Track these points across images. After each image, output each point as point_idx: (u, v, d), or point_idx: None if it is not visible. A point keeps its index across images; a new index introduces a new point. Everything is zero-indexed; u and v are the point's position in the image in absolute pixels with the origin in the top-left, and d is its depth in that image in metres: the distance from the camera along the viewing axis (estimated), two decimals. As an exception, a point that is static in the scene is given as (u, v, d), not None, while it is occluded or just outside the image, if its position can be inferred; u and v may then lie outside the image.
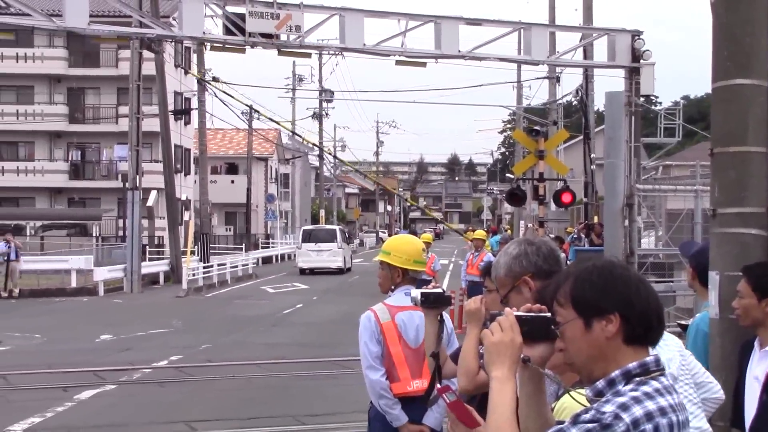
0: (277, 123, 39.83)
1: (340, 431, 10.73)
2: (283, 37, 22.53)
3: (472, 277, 18.43)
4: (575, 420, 2.38)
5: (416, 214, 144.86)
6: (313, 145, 52.87)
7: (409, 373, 5.55)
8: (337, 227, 53.09)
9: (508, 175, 75.17)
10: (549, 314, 2.62)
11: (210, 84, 39.95)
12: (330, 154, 64.48)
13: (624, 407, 2.36)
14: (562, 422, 2.43)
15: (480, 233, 19.89)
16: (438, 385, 4.63)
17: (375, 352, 5.58)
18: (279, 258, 60.16)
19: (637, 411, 2.36)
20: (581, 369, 2.57)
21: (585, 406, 2.47)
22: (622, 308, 2.49)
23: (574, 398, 2.62)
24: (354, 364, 14.53)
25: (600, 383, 2.49)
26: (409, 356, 5.55)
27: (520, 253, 3.70)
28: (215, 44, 24.26)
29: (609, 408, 2.37)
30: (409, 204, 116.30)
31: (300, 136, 43.43)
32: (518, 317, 2.61)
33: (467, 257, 19.24)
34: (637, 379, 2.46)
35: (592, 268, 2.58)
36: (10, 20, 23.01)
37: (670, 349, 3.93)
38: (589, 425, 2.35)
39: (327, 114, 79.36)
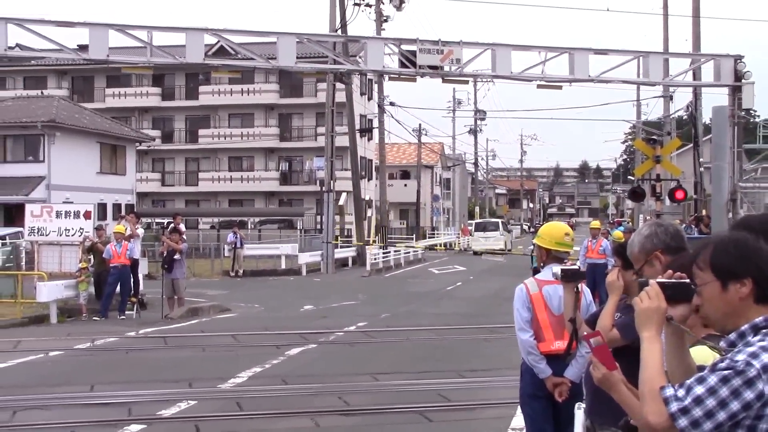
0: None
1: (494, 383, 10.61)
2: (446, 68, 22.57)
3: (591, 260, 17.44)
4: (713, 368, 2.31)
5: (553, 210, 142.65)
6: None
7: (552, 335, 5.45)
8: (500, 220, 53.63)
9: (629, 177, 73.11)
10: (687, 280, 2.54)
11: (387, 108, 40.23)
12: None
13: (754, 355, 2.28)
14: (703, 368, 2.36)
15: (595, 223, 19.13)
16: (577, 344, 4.55)
17: (525, 317, 5.52)
18: (442, 246, 60.13)
19: (766, 358, 2.27)
20: (716, 323, 2.50)
21: (720, 355, 2.40)
22: (754, 274, 2.42)
23: (710, 348, 2.54)
24: (504, 330, 14.40)
25: (732, 336, 2.42)
26: (553, 321, 5.45)
27: (651, 234, 3.71)
28: (392, 75, 24.49)
29: (741, 357, 2.29)
30: (547, 201, 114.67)
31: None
32: (661, 284, 2.54)
33: (585, 243, 18.31)
34: (764, 330, 2.37)
35: (729, 239, 2.50)
36: (239, 63, 23.94)
37: None
38: (725, 372, 2.27)
39: (481, 130, 79.32)
